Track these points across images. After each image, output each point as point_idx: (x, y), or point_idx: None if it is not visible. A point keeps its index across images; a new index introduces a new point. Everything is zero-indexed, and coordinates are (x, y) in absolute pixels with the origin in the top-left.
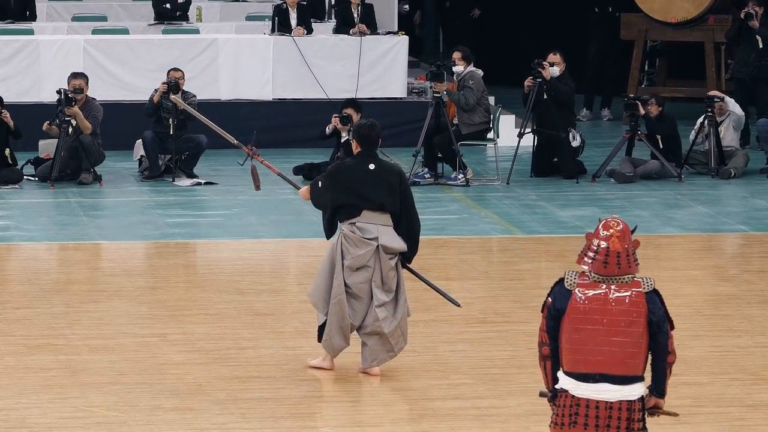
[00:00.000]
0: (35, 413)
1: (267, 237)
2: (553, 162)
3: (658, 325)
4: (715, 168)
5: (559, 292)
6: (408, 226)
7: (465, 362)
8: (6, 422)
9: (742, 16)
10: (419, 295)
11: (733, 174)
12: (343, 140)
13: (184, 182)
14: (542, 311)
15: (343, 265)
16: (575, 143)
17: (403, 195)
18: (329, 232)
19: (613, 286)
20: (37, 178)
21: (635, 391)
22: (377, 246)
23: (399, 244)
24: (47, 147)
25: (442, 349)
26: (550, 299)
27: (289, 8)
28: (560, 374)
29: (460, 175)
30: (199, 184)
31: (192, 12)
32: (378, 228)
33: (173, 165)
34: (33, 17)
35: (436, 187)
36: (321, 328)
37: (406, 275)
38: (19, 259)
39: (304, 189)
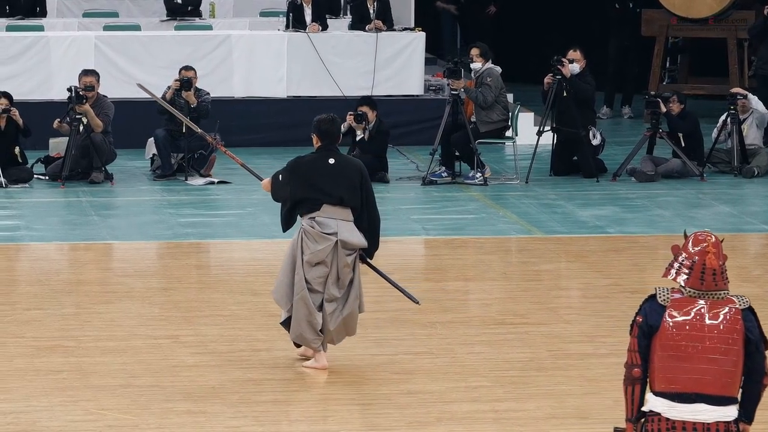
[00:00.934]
0: (45, 416)
1: (281, 237)
2: (573, 160)
3: (756, 344)
4: (737, 166)
5: (651, 309)
6: (369, 222)
7: (483, 364)
8: (16, 426)
9: (765, 12)
10: (437, 296)
11: (756, 173)
12: (358, 138)
13: (197, 181)
14: (630, 332)
15: (302, 260)
16: (595, 141)
17: (364, 190)
18: (286, 225)
19: (708, 302)
20: (47, 177)
21: (731, 412)
22: (336, 241)
23: (359, 239)
24: (57, 145)
25: (460, 351)
26: (640, 317)
27: (304, 4)
28: (649, 395)
29: (478, 174)
30: (212, 183)
31: (205, 8)
32: (338, 223)
33: (186, 164)
34: (43, 13)
35: (453, 186)
36: (285, 325)
37: (368, 271)
38: (29, 260)
39: (266, 181)
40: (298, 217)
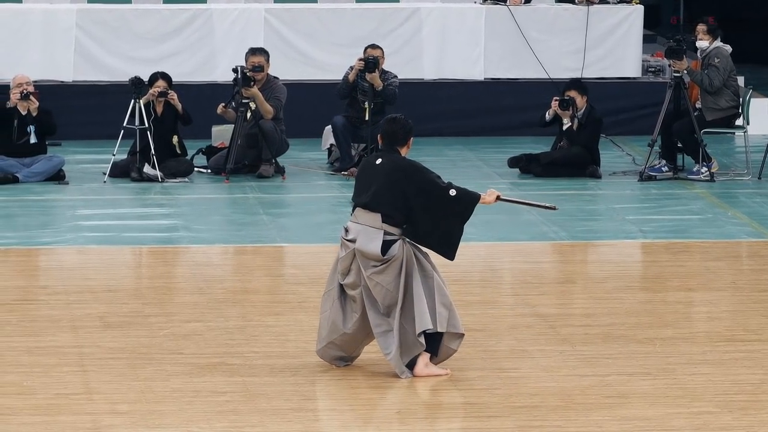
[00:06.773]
0: None
1: (476, 240)
2: None
3: None
4: None
5: None
6: (433, 230)
7: (708, 387)
8: None
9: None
10: (656, 308)
11: None
12: (565, 128)
13: None
14: None
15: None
16: None
17: (413, 196)
18: None
19: None
20: (209, 171)
21: None
22: (353, 249)
23: (372, 249)
24: (221, 134)
25: (682, 372)
26: None
27: None
28: None
29: (704, 169)
30: None
31: None
32: (358, 228)
33: (368, 155)
34: None
35: (675, 182)
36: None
37: None
38: (188, 265)
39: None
40: None
